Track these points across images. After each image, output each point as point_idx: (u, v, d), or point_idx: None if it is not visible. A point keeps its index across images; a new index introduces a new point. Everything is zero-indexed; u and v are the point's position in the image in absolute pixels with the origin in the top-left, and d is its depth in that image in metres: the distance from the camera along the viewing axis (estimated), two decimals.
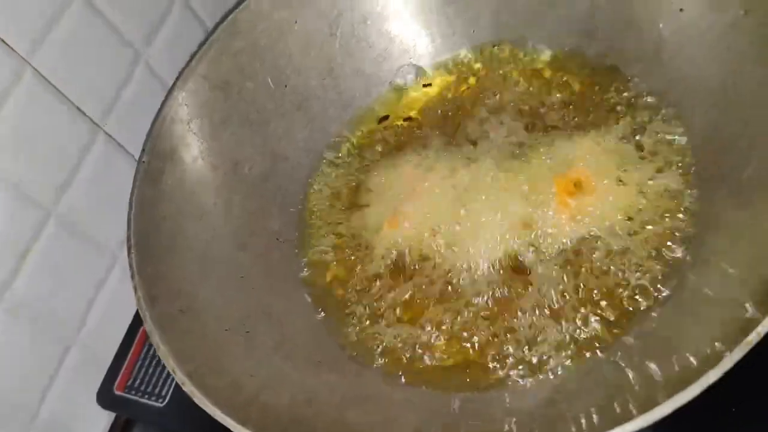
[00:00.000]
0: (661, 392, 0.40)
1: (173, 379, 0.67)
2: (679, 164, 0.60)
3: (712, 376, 0.39)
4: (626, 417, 0.40)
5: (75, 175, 0.67)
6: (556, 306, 0.57)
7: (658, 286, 0.55)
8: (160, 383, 0.71)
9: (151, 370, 0.72)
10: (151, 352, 0.73)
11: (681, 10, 0.62)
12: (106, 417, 0.73)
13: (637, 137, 0.62)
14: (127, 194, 0.60)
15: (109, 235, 0.72)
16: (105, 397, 0.72)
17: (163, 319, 0.54)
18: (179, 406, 0.69)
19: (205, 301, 0.59)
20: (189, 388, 0.49)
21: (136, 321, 0.75)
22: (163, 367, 0.69)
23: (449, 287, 0.61)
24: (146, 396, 0.71)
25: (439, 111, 0.73)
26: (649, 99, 0.64)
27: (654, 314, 0.53)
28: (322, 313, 0.64)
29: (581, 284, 0.57)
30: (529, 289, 0.58)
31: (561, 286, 0.57)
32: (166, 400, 0.70)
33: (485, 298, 0.59)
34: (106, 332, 0.73)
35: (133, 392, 0.71)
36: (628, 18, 0.67)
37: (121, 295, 0.74)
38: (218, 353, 0.55)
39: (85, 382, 0.71)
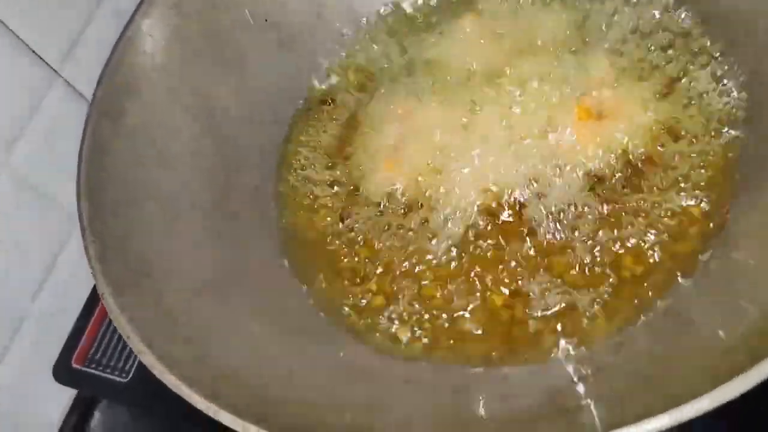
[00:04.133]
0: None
1: None
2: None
3: None
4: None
5: (28, 126, 0.62)
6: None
7: None
8: (124, 356, 0.65)
9: (114, 342, 0.66)
10: None
11: None
12: (67, 394, 0.68)
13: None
14: None
15: (68, 193, 0.64)
16: (62, 372, 0.66)
17: (119, 281, 0.47)
18: (145, 382, 0.61)
19: (170, 260, 0.52)
20: (149, 359, 0.42)
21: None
22: None
23: (457, 234, 0.54)
24: (108, 370, 0.65)
25: None
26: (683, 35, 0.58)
27: None
28: (303, 278, 0.57)
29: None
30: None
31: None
32: (130, 375, 0.64)
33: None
34: (65, 301, 0.68)
35: (94, 366, 0.66)
36: None
37: (82, 258, 0.66)
38: (183, 318, 0.48)
39: (42, 355, 0.66)
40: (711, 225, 0.49)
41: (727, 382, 0.32)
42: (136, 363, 0.64)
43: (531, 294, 0.50)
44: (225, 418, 0.39)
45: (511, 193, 0.54)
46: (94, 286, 0.66)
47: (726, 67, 0.54)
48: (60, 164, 0.62)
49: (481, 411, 0.44)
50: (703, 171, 0.51)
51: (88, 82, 0.64)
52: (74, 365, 0.65)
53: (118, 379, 0.64)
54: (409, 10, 0.69)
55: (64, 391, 0.67)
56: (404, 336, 0.52)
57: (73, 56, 0.65)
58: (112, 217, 0.50)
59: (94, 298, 0.68)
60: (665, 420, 0.32)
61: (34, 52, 0.60)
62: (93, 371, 0.65)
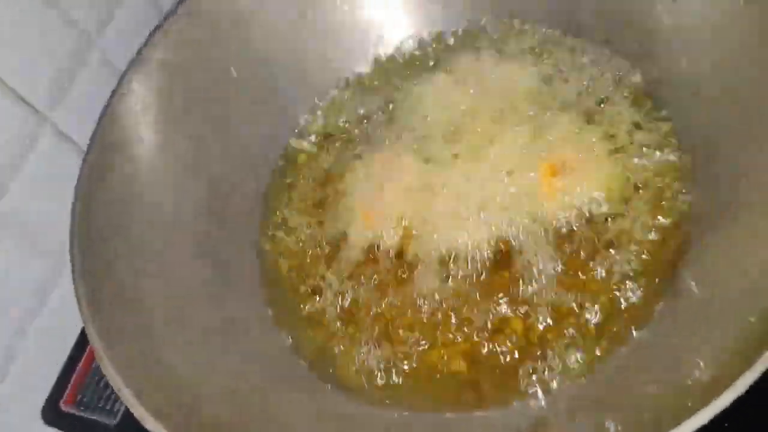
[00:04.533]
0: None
1: None
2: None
3: None
4: None
5: (18, 172, 0.61)
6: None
7: None
8: (112, 398, 0.66)
9: (102, 385, 0.66)
10: None
11: (674, 0, 0.58)
12: None
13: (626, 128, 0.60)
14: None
15: (56, 238, 0.65)
16: (50, 414, 0.66)
17: (107, 328, 0.49)
18: (133, 424, 0.62)
19: (159, 309, 0.54)
20: (138, 411, 0.44)
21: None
22: None
23: (428, 281, 0.57)
24: (97, 412, 0.65)
25: None
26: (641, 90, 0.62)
27: None
28: (286, 326, 0.59)
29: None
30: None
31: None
32: (119, 417, 0.64)
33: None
34: (52, 343, 0.68)
35: (83, 408, 0.66)
36: (618, 9, 0.63)
37: (71, 303, 0.68)
38: (172, 367, 0.50)
39: (30, 397, 0.66)
40: (657, 280, 0.52)
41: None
42: (124, 406, 0.63)
43: (497, 345, 0.53)
44: None
45: (480, 247, 0.57)
46: (83, 329, 0.69)
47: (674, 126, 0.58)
48: (49, 210, 0.63)
49: None
50: (653, 230, 0.54)
51: (76, 127, 0.65)
52: (63, 408, 0.66)
53: (106, 421, 0.64)
54: (390, 65, 0.72)
55: None
56: (381, 381, 0.54)
57: (62, 102, 0.65)
58: (103, 267, 0.52)
59: (82, 341, 0.69)
60: None
61: (22, 98, 0.60)
62: (81, 414, 0.65)
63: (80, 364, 0.68)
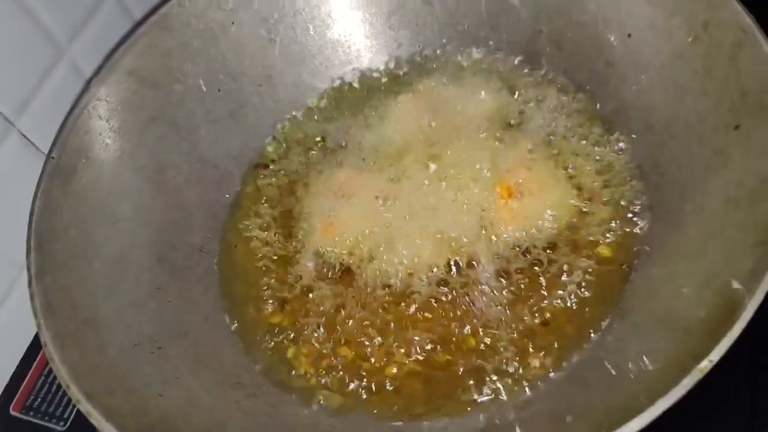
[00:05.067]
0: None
1: None
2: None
3: None
4: None
5: None
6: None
7: None
8: (63, 404, 0.66)
9: (53, 390, 0.67)
10: None
11: (629, 35, 0.61)
12: None
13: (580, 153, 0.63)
14: None
15: (14, 245, 0.64)
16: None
17: (61, 331, 0.49)
18: (82, 430, 0.63)
19: (114, 314, 0.54)
20: (85, 407, 0.44)
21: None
22: None
23: (384, 297, 0.59)
24: (47, 418, 0.66)
25: None
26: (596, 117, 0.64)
27: None
28: (242, 334, 0.60)
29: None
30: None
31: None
32: (68, 424, 0.65)
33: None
34: (5, 349, 0.68)
35: (32, 413, 0.66)
36: (576, 41, 0.65)
37: (24, 309, 0.67)
38: (124, 370, 0.50)
39: None
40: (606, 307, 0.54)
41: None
42: (74, 411, 0.65)
43: (449, 353, 0.55)
44: None
45: (435, 265, 0.58)
46: (35, 335, 0.68)
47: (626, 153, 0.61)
48: (7, 215, 0.63)
49: None
50: (601, 249, 0.57)
51: (42, 135, 0.65)
52: (12, 412, 0.66)
53: (56, 427, 0.64)
54: (355, 85, 0.74)
55: None
56: (335, 391, 0.55)
57: (28, 109, 0.65)
58: (60, 271, 0.52)
59: (34, 347, 0.69)
60: None
61: None
62: (31, 419, 0.65)
63: (31, 371, 0.68)
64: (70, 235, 0.55)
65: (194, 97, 0.67)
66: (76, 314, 0.51)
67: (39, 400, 0.66)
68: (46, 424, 0.65)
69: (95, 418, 0.44)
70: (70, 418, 0.65)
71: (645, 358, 0.44)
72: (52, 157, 0.56)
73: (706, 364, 0.38)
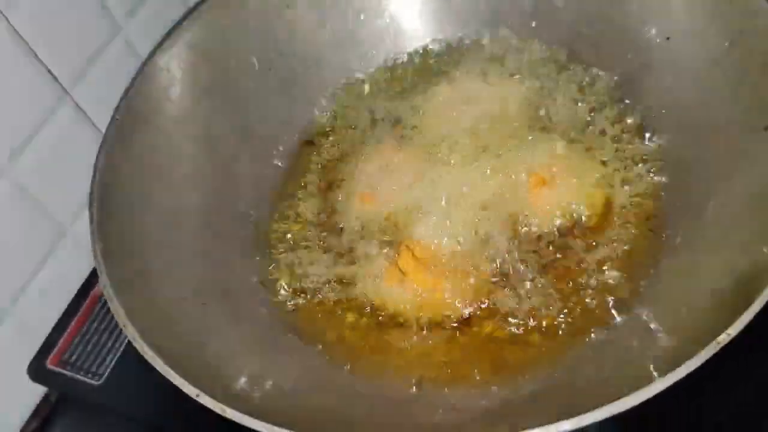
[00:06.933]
0: None
1: (113, 357, 0.67)
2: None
3: None
4: None
5: (34, 138, 0.64)
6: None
7: None
8: (98, 361, 0.68)
9: (90, 347, 0.69)
10: (92, 328, 0.70)
11: (668, 38, 0.64)
12: (37, 392, 0.69)
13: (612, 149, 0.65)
14: (87, 166, 0.58)
15: (62, 205, 0.68)
16: (36, 370, 0.68)
17: (118, 276, 0.52)
18: (117, 385, 0.66)
19: (163, 268, 0.57)
20: (140, 344, 0.47)
21: (80, 295, 0.72)
22: (103, 344, 0.67)
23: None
24: (82, 372, 0.67)
25: None
26: (630, 121, 0.66)
27: None
28: (282, 299, 0.63)
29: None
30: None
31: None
32: (103, 378, 0.66)
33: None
34: (46, 305, 0.70)
35: (69, 367, 0.68)
36: (614, 42, 0.68)
37: (67, 268, 0.70)
38: (171, 318, 0.53)
39: (17, 354, 0.68)
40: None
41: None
42: (110, 368, 0.66)
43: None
44: (206, 401, 0.44)
45: (463, 240, 0.61)
46: (75, 294, 0.71)
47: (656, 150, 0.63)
48: (59, 179, 0.66)
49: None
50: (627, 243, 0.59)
51: (96, 105, 0.68)
52: (49, 366, 0.67)
53: (91, 381, 0.66)
54: (399, 69, 0.77)
55: (34, 389, 0.69)
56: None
57: (84, 79, 0.67)
58: (118, 222, 0.55)
59: (75, 305, 0.71)
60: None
61: (48, 70, 0.63)
62: (67, 372, 0.67)
63: (71, 326, 0.70)
64: (127, 191, 0.58)
65: (247, 73, 0.70)
66: (132, 263, 0.54)
67: (76, 355, 0.68)
68: (82, 378, 0.67)
69: (148, 354, 0.46)
70: (106, 373, 0.66)
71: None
72: (116, 119, 0.59)
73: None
